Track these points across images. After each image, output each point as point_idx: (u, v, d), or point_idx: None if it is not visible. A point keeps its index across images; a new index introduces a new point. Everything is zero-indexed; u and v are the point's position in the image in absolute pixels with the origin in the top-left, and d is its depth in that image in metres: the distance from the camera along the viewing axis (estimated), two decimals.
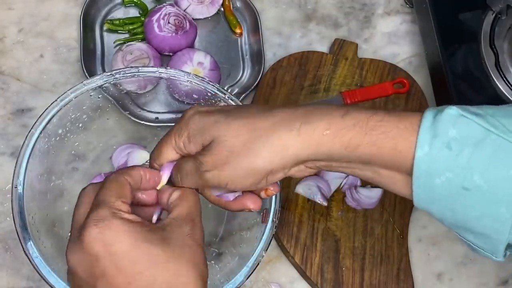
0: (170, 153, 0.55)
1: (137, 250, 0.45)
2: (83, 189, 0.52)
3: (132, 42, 0.83)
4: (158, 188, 0.55)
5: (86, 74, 0.80)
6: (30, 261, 0.58)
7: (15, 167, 0.61)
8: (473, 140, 0.46)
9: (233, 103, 0.67)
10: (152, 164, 0.56)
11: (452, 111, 0.47)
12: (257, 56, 0.85)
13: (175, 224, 0.49)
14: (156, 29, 0.81)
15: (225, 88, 0.79)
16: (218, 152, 0.51)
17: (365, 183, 0.79)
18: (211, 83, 0.68)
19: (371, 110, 0.49)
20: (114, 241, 0.45)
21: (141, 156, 0.78)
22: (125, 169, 0.53)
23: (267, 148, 0.50)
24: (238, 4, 0.89)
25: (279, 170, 0.51)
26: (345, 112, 0.49)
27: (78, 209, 0.50)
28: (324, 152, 0.50)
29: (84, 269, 0.47)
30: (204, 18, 0.88)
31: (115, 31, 0.85)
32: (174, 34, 0.82)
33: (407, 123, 0.48)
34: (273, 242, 0.76)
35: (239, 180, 0.51)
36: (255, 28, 0.87)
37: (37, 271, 0.58)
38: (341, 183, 0.79)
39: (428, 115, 0.47)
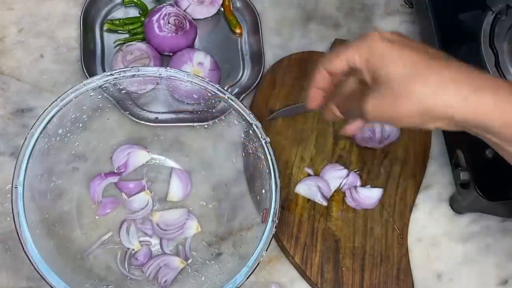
0: (341, 65, 0.56)
1: None
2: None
3: (132, 42, 0.83)
4: None
5: (86, 74, 0.80)
6: (30, 261, 0.58)
7: (15, 167, 0.61)
8: None
9: (233, 103, 0.68)
10: (320, 69, 0.58)
11: None
12: (257, 56, 0.86)
13: None
14: (156, 29, 0.82)
15: (225, 88, 0.79)
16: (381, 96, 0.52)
17: (365, 183, 0.79)
18: (211, 83, 0.68)
19: None
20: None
21: (141, 156, 0.78)
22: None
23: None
24: (238, 4, 0.89)
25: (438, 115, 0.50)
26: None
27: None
28: (482, 124, 0.49)
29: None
30: (204, 18, 0.88)
31: (115, 31, 0.85)
32: (174, 34, 0.82)
33: None
34: (273, 242, 0.76)
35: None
36: (255, 28, 0.87)
37: (37, 271, 0.58)
38: (341, 183, 0.79)
39: None
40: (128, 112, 0.77)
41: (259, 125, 0.67)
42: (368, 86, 0.54)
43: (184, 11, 0.85)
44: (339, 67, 0.56)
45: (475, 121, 0.49)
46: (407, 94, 0.49)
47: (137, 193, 0.76)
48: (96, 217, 0.75)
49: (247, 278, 0.61)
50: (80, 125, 0.70)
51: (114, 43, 0.84)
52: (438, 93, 0.49)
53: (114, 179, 0.76)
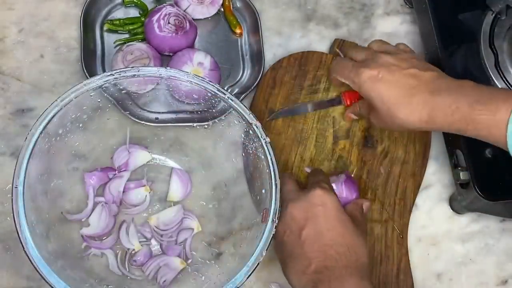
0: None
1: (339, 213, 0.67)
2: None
3: (132, 42, 0.83)
4: None
5: (86, 74, 0.80)
6: (30, 261, 0.58)
7: (15, 167, 0.61)
8: None
9: (233, 103, 0.67)
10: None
11: None
12: (257, 56, 0.86)
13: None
14: (156, 29, 0.82)
15: (225, 88, 0.79)
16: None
17: (365, 183, 0.79)
18: (211, 83, 0.68)
19: (475, 93, 0.65)
20: (328, 201, 0.66)
21: (142, 156, 0.78)
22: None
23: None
24: (238, 4, 0.89)
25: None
26: (456, 107, 0.65)
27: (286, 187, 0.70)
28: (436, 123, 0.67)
29: (300, 212, 0.66)
30: (204, 18, 0.88)
31: (115, 31, 0.85)
32: (174, 34, 0.82)
33: (501, 114, 0.62)
34: (273, 242, 0.76)
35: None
36: (255, 28, 0.87)
37: (37, 271, 0.58)
38: None
39: None
40: (128, 112, 0.77)
41: (259, 125, 0.67)
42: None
43: (184, 11, 0.85)
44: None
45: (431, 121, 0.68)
46: (392, 117, 0.70)
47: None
48: None
49: (247, 278, 0.61)
50: (80, 125, 0.70)
51: (114, 43, 0.84)
52: (409, 115, 0.69)
53: (111, 174, 0.77)
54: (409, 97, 0.68)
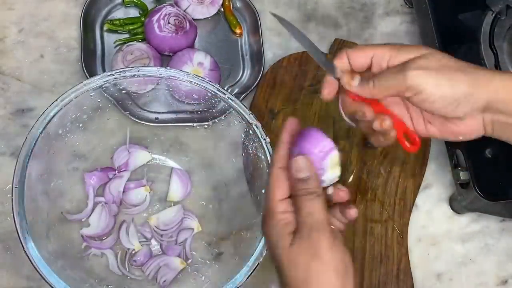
0: (366, 56, 0.58)
1: None
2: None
3: (132, 42, 0.83)
4: None
5: (86, 74, 0.80)
6: (30, 261, 0.58)
7: (15, 167, 0.61)
8: None
9: (233, 103, 0.68)
10: (341, 58, 0.59)
11: None
12: (257, 56, 0.86)
13: None
14: (156, 29, 0.82)
15: (225, 88, 0.79)
16: (432, 60, 0.55)
17: (365, 183, 0.79)
18: (211, 83, 0.68)
19: None
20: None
21: (142, 156, 0.78)
22: None
23: (473, 74, 0.56)
24: (238, 4, 0.89)
25: (471, 100, 0.55)
26: None
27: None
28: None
29: (275, 234, 0.54)
30: (204, 18, 0.88)
31: (115, 31, 0.85)
32: (174, 34, 0.82)
33: None
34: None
35: (440, 87, 0.54)
36: (255, 28, 0.87)
37: (37, 271, 0.58)
38: None
39: None
40: (128, 112, 0.77)
41: (259, 125, 0.67)
42: None
43: (184, 11, 0.85)
44: (365, 60, 0.59)
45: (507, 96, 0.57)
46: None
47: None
48: None
49: (247, 278, 0.61)
50: (80, 125, 0.70)
51: (114, 43, 0.84)
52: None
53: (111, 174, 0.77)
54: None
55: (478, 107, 0.55)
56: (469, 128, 0.57)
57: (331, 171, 0.54)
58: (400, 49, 0.57)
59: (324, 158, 0.53)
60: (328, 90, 0.60)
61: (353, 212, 0.56)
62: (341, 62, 0.58)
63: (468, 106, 0.55)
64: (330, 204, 0.56)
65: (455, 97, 0.55)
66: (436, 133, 0.59)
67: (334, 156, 0.54)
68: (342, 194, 0.57)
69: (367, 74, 0.58)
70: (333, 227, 0.56)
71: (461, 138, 0.58)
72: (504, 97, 0.55)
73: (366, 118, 0.58)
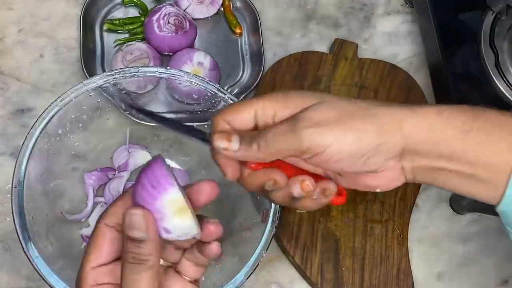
0: (247, 117, 0.48)
1: None
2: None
3: (132, 42, 0.83)
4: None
5: (86, 74, 0.80)
6: (30, 261, 0.58)
7: (15, 167, 0.61)
8: None
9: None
10: (220, 126, 0.49)
11: None
12: (257, 56, 0.85)
13: None
14: (156, 29, 0.81)
15: (225, 88, 0.79)
16: (326, 109, 0.46)
17: None
18: (211, 83, 0.68)
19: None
20: None
21: (141, 156, 0.78)
22: None
23: (381, 119, 0.46)
24: (238, 4, 0.89)
25: (383, 150, 0.47)
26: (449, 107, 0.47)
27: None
28: (433, 139, 0.46)
29: None
30: (204, 18, 0.88)
31: (115, 31, 0.85)
32: (174, 34, 0.82)
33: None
34: (273, 242, 0.76)
35: (344, 143, 0.45)
36: (255, 28, 0.87)
37: (37, 271, 0.58)
38: None
39: None
40: (128, 112, 0.77)
41: None
42: None
43: (184, 11, 0.85)
44: (247, 123, 0.50)
45: (428, 137, 0.48)
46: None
47: None
48: None
49: (247, 278, 0.61)
50: (80, 125, 0.70)
51: (114, 43, 0.84)
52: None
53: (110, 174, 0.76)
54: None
55: (393, 155, 0.47)
56: (386, 179, 0.49)
57: (179, 219, 0.42)
58: (286, 100, 0.48)
59: (158, 198, 0.42)
60: (231, 169, 0.50)
61: (215, 248, 0.45)
62: (221, 131, 0.48)
63: (380, 157, 0.47)
64: (184, 247, 0.46)
65: (363, 152, 0.46)
66: (351, 186, 0.50)
67: (174, 200, 0.42)
68: (214, 228, 0.45)
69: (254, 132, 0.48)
70: (187, 278, 0.46)
71: (378, 190, 0.50)
72: (421, 138, 0.47)
73: (280, 186, 0.48)
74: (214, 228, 0.45)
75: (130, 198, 0.44)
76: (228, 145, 0.47)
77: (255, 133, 0.47)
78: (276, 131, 0.46)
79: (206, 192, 0.48)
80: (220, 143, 0.47)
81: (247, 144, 0.46)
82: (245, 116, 0.48)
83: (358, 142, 0.46)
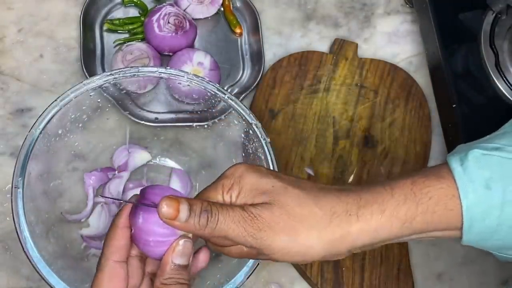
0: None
1: None
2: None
3: (132, 42, 0.83)
4: None
5: (86, 74, 0.80)
6: (30, 261, 0.58)
7: (15, 167, 0.61)
8: (507, 173, 0.48)
9: (233, 103, 0.67)
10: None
11: (475, 154, 0.49)
12: (257, 56, 0.85)
13: None
14: (156, 29, 0.81)
15: (225, 88, 0.79)
16: (278, 213, 0.47)
17: (365, 183, 0.79)
18: (211, 83, 0.68)
19: (406, 177, 0.50)
20: None
21: (141, 156, 0.78)
22: None
23: (326, 230, 0.48)
24: (238, 4, 0.89)
25: (328, 257, 0.49)
26: (391, 187, 0.49)
27: None
28: (382, 237, 0.49)
29: None
30: (204, 18, 0.88)
31: (115, 31, 0.85)
32: (174, 34, 0.82)
33: (445, 180, 0.49)
34: None
35: (290, 252, 0.48)
36: (255, 28, 0.87)
37: (37, 271, 0.58)
38: None
39: (455, 165, 0.49)
40: (128, 112, 0.77)
41: (259, 125, 0.67)
42: None
43: (184, 11, 0.85)
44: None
45: (376, 237, 0.50)
46: None
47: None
48: None
49: (247, 278, 0.61)
50: (80, 125, 0.70)
51: (114, 43, 0.84)
52: None
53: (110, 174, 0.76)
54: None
55: (338, 257, 0.50)
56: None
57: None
58: (243, 191, 0.49)
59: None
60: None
61: (205, 255, 0.49)
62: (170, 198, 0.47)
63: (327, 259, 0.50)
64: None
65: (308, 261, 0.49)
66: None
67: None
68: (204, 257, 0.50)
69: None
70: None
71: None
72: (368, 240, 0.49)
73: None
74: (204, 257, 0.50)
75: (127, 228, 0.48)
76: (175, 214, 0.46)
77: (206, 204, 0.47)
78: (230, 219, 0.46)
79: (202, 259, 0.52)
80: (167, 212, 0.46)
81: (197, 216, 0.46)
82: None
83: (303, 255, 0.48)
